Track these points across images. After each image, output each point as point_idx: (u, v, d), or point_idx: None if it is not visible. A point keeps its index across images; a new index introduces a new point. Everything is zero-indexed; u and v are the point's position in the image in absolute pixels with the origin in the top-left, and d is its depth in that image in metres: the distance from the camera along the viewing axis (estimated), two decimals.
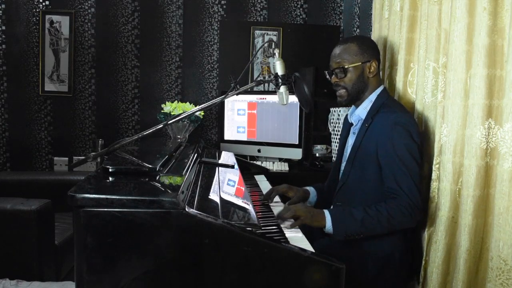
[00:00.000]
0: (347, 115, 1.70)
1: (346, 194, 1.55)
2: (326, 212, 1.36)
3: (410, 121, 1.44)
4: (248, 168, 2.24)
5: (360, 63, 1.52)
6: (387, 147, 1.41)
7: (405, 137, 1.40)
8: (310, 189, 1.75)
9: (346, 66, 1.52)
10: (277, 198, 1.73)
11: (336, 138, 2.37)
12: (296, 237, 1.29)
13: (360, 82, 1.53)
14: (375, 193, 1.46)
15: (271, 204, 1.66)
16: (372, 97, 1.54)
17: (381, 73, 1.88)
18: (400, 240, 1.46)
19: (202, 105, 1.46)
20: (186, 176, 1.24)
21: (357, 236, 1.34)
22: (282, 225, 1.36)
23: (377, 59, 1.55)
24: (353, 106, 1.62)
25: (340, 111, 2.34)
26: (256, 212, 1.32)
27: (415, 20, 1.65)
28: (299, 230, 1.35)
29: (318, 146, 2.64)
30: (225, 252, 1.00)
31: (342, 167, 1.63)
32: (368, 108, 1.53)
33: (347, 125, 1.67)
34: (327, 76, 1.60)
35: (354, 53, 1.52)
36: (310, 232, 1.39)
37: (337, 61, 1.54)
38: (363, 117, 1.54)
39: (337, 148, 1.74)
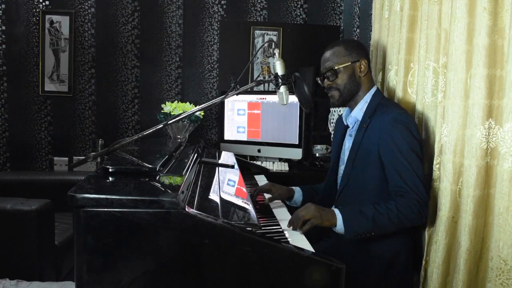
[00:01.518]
0: (339, 118, 1.70)
1: (348, 197, 1.54)
2: (336, 210, 1.34)
3: (409, 118, 1.45)
4: (248, 168, 2.25)
5: (350, 63, 1.52)
6: (389, 146, 1.41)
7: (406, 134, 1.40)
8: (296, 188, 1.74)
9: (336, 68, 1.53)
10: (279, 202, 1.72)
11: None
12: (296, 237, 1.29)
13: (352, 82, 1.54)
14: (377, 194, 1.46)
15: (272, 205, 1.66)
16: (367, 97, 1.54)
17: (381, 73, 1.88)
18: (405, 240, 1.46)
19: (202, 105, 1.46)
20: (186, 176, 1.24)
21: (368, 235, 1.32)
22: (295, 230, 1.34)
23: (366, 58, 1.55)
24: (347, 108, 1.62)
25: (340, 111, 2.33)
26: (256, 212, 1.32)
27: (415, 20, 1.65)
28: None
29: (318, 146, 2.64)
30: (225, 252, 1.00)
31: (341, 171, 1.62)
32: (364, 109, 1.53)
33: (342, 128, 1.66)
34: (319, 82, 1.60)
35: (342, 54, 1.53)
36: (315, 234, 1.38)
37: (326, 65, 1.56)
38: (360, 118, 1.54)
39: (332, 151, 1.73)
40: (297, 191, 1.74)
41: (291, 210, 1.63)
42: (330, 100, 1.60)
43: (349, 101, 1.57)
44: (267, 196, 1.70)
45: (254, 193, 1.69)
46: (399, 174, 1.38)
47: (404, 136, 1.40)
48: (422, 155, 1.43)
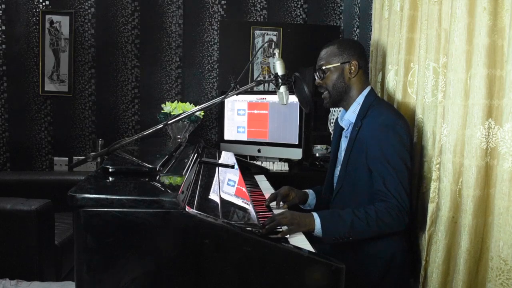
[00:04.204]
0: (337, 118, 1.70)
1: (342, 200, 1.54)
2: (315, 214, 1.33)
3: (398, 121, 1.43)
4: (248, 168, 2.25)
5: (339, 64, 1.52)
6: (375, 150, 1.40)
7: (393, 139, 1.39)
8: (309, 191, 1.74)
9: (324, 67, 1.54)
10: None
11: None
12: (296, 237, 1.29)
13: (340, 83, 1.53)
14: (368, 197, 1.45)
15: (271, 205, 1.65)
16: (360, 99, 1.54)
17: (380, 73, 1.88)
18: (401, 241, 1.46)
19: (202, 105, 1.46)
20: (186, 176, 1.24)
21: (346, 240, 1.32)
22: (266, 230, 1.25)
23: (358, 60, 1.53)
24: (342, 109, 1.62)
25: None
26: (256, 212, 1.32)
27: (415, 20, 1.65)
28: None
29: (318, 146, 2.64)
30: (225, 252, 1.00)
31: (337, 171, 1.62)
32: (357, 111, 1.52)
33: (339, 129, 1.66)
34: (316, 78, 1.60)
35: (333, 54, 1.53)
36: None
37: (318, 64, 1.57)
38: (353, 120, 1.53)
39: (331, 152, 1.74)
40: (311, 194, 1.74)
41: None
42: (324, 101, 1.60)
43: (339, 101, 1.57)
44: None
45: (276, 198, 1.62)
46: (382, 179, 1.37)
47: (391, 141, 1.39)
48: (411, 160, 1.43)
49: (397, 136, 1.40)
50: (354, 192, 1.50)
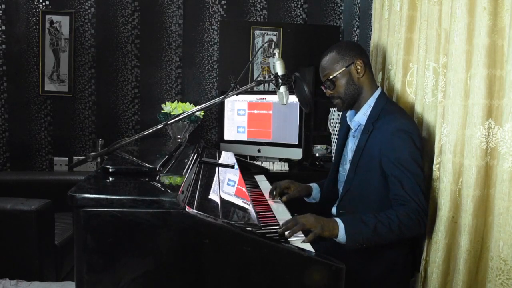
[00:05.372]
0: (343, 115, 1.69)
1: (350, 202, 1.53)
2: (338, 220, 1.30)
3: (413, 127, 1.43)
4: (248, 168, 2.25)
5: (345, 68, 1.50)
6: (391, 155, 1.39)
7: (409, 144, 1.39)
8: (313, 185, 1.77)
9: (331, 77, 1.51)
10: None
11: (336, 138, 2.37)
12: (296, 237, 1.29)
13: (351, 86, 1.51)
14: (378, 201, 1.45)
15: (270, 203, 1.66)
16: (371, 101, 1.52)
17: (380, 73, 1.88)
18: (403, 243, 1.45)
19: (202, 105, 1.46)
20: (186, 176, 1.24)
21: (369, 245, 1.30)
22: (290, 239, 1.23)
23: (361, 58, 1.51)
24: (351, 110, 1.60)
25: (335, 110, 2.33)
26: (256, 212, 1.32)
27: (413, 20, 1.65)
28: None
29: (318, 146, 2.64)
30: (225, 252, 1.00)
31: (341, 170, 1.62)
32: (368, 114, 1.51)
33: (345, 128, 1.65)
34: (324, 91, 1.58)
35: (336, 60, 1.51)
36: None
37: (324, 75, 1.55)
38: (363, 123, 1.52)
39: (335, 149, 1.73)
40: (315, 188, 1.77)
41: (291, 210, 1.63)
42: (336, 107, 1.60)
43: (353, 104, 1.56)
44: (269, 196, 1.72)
45: (274, 190, 1.72)
46: (400, 183, 1.36)
47: (407, 146, 1.38)
48: (422, 165, 1.43)
49: (412, 141, 1.39)
50: (363, 195, 1.48)
